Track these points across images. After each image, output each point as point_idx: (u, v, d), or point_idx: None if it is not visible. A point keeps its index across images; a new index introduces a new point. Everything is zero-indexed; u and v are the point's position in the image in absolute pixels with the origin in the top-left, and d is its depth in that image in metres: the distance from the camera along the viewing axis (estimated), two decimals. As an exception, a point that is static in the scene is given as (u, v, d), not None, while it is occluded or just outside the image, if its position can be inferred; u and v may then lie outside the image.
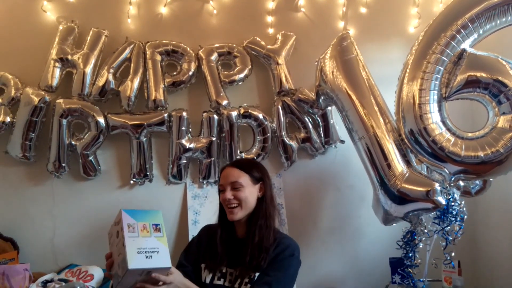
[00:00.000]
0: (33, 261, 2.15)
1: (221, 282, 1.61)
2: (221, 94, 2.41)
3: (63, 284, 1.98)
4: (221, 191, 1.70)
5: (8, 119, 2.33)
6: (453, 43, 1.88)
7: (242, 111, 2.42)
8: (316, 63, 2.29)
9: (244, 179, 1.66)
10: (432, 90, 1.91)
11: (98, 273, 2.14)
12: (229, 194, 1.65)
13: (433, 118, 1.89)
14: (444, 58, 1.89)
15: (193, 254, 1.73)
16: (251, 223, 1.65)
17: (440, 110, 1.92)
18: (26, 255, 2.33)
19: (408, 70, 1.97)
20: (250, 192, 1.66)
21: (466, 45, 1.90)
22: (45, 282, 2.02)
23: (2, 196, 2.44)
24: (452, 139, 1.87)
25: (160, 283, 1.35)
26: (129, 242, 1.31)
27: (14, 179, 2.45)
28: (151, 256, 1.31)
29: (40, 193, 2.45)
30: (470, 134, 1.89)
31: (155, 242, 1.34)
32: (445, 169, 1.92)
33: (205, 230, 1.81)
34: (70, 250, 2.43)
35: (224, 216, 1.71)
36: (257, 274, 1.57)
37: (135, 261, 1.28)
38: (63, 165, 2.36)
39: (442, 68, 1.90)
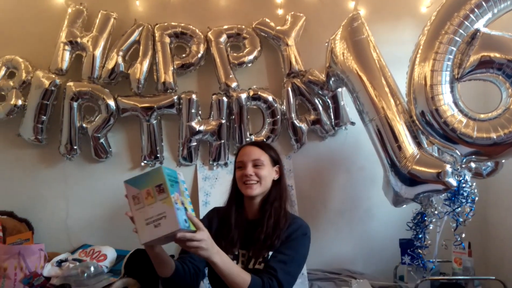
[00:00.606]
0: (47, 242, 2.20)
1: (238, 264, 1.63)
2: (230, 76, 2.40)
3: (77, 263, 2.02)
4: (240, 168, 1.70)
5: (19, 102, 2.35)
6: (466, 22, 1.84)
7: (251, 93, 2.41)
8: (326, 44, 2.26)
9: (265, 158, 1.70)
10: (444, 71, 1.89)
11: (111, 253, 2.18)
12: (250, 170, 1.66)
13: (445, 100, 1.87)
14: (457, 38, 1.86)
15: None
16: (266, 204, 1.67)
17: (452, 91, 1.89)
18: (40, 236, 2.38)
19: (419, 51, 1.94)
20: (269, 172, 1.69)
21: (479, 24, 1.86)
22: (60, 262, 2.06)
23: (16, 178, 2.49)
24: (464, 120, 1.85)
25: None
26: (137, 215, 1.28)
27: (27, 161, 2.49)
28: (159, 223, 1.25)
29: (53, 175, 2.49)
30: (482, 116, 1.87)
31: (160, 207, 1.25)
32: (457, 151, 1.91)
33: (215, 212, 1.81)
34: (83, 231, 2.48)
35: (236, 197, 1.72)
36: (270, 253, 1.58)
37: (146, 234, 1.25)
38: (75, 147, 2.39)
39: (454, 49, 1.87)
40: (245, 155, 1.70)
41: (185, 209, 1.31)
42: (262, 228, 1.62)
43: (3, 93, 2.40)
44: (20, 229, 2.27)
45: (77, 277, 1.83)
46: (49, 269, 1.99)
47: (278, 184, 1.72)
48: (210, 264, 1.39)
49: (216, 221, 1.75)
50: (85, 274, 1.84)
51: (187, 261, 1.54)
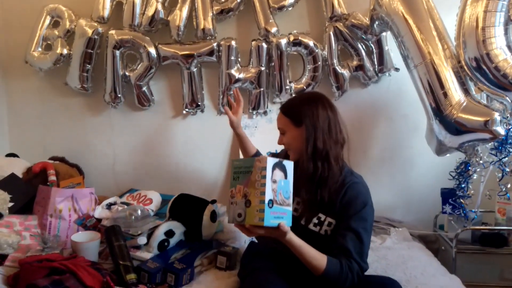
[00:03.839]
0: (96, 186, 2.31)
1: None
2: (270, 21, 2.34)
3: (125, 207, 2.12)
4: None
5: (65, 51, 2.41)
6: (527, -44, 1.69)
7: (291, 38, 2.35)
8: (371, -15, 2.15)
9: (285, 123, 1.59)
10: (498, 12, 1.77)
11: (156, 197, 2.27)
12: (279, 140, 1.63)
13: (498, 43, 1.76)
14: (516, -25, 1.71)
15: None
16: (310, 162, 1.53)
17: (506, 33, 1.77)
18: (90, 180, 2.52)
19: (473, -10, 1.81)
20: (293, 137, 1.57)
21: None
22: (109, 205, 2.17)
23: (66, 125, 2.61)
24: (517, 65, 1.74)
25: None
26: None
27: (75, 109, 2.59)
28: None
29: (99, 122, 2.59)
30: (538, 60, 1.75)
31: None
32: (507, 98, 1.81)
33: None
34: (130, 176, 2.60)
35: None
36: (322, 216, 1.53)
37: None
38: (119, 95, 2.45)
39: (512, -13, 1.74)
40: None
41: (247, 202, 1.30)
42: (310, 189, 1.54)
43: (49, 42, 2.46)
44: (72, 173, 2.40)
45: (125, 219, 1.92)
46: (99, 211, 2.10)
47: (309, 143, 1.52)
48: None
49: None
50: (133, 217, 1.93)
51: None
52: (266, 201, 1.27)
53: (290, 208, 1.35)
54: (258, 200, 1.28)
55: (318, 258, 1.41)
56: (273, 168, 1.30)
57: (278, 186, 1.31)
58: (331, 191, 1.52)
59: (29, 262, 1.54)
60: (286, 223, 1.33)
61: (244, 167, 1.34)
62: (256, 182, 1.29)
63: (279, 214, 1.31)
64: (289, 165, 1.35)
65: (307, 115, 1.53)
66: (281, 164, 1.33)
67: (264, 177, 1.28)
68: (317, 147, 1.51)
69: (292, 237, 1.38)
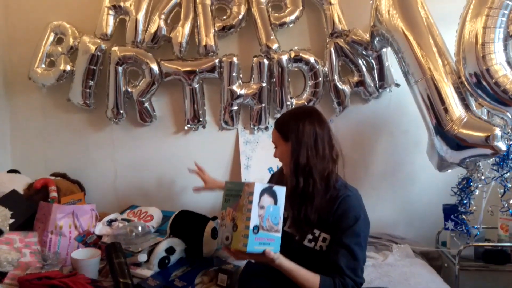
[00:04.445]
0: (98, 202, 2.30)
1: (284, 227, 1.57)
2: (272, 37, 2.36)
3: (126, 223, 2.11)
4: None
5: (68, 67, 2.44)
6: (525, -26, 1.71)
7: (293, 54, 2.37)
8: (371, 2, 2.16)
9: (277, 138, 1.60)
10: (497, 28, 1.78)
11: (157, 213, 2.27)
12: (274, 152, 1.64)
13: (497, 59, 1.77)
14: (514, -8, 1.73)
15: None
16: (294, 177, 1.53)
17: (505, 49, 1.79)
18: (91, 196, 2.51)
19: (471, 6, 1.83)
20: (282, 151, 1.58)
21: (540, -24, 1.72)
22: (110, 221, 2.16)
23: (68, 141, 2.62)
24: (517, 81, 1.75)
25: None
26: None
27: (77, 125, 2.60)
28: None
29: (101, 138, 2.60)
30: (538, 76, 1.76)
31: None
32: (508, 113, 1.82)
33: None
34: (131, 192, 2.59)
35: None
36: (317, 231, 1.51)
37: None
38: (121, 111, 2.46)
39: (510, 3, 1.75)
40: None
41: (234, 226, 1.30)
42: (293, 204, 1.53)
43: (52, 58, 2.48)
44: (73, 190, 2.40)
45: (126, 236, 1.92)
46: (100, 228, 2.09)
47: (296, 158, 1.51)
48: None
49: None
50: (134, 233, 1.93)
51: None
52: (251, 227, 1.27)
53: (279, 235, 1.33)
54: (244, 225, 1.28)
55: (311, 280, 1.40)
56: (261, 194, 1.30)
57: (266, 212, 1.30)
58: (318, 208, 1.50)
59: (28, 280, 1.53)
60: (273, 249, 1.32)
61: (235, 191, 1.34)
62: (243, 207, 1.29)
63: (266, 240, 1.30)
64: (280, 191, 1.34)
65: (293, 130, 1.53)
66: (271, 190, 1.32)
67: (251, 202, 1.27)
68: (299, 162, 1.50)
69: (282, 262, 1.37)
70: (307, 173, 1.50)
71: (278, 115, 2.45)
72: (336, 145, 1.58)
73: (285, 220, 1.58)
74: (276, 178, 1.82)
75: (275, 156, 1.63)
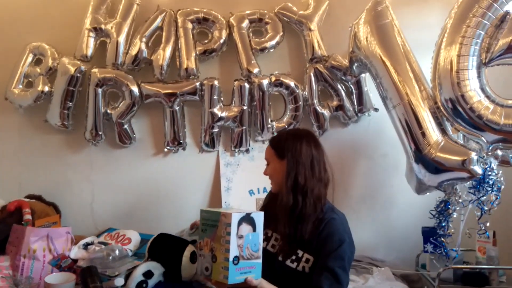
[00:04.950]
0: (74, 225, 2.24)
1: (267, 246, 1.58)
2: (252, 62, 2.39)
3: (103, 246, 2.06)
4: None
5: (46, 88, 2.40)
6: (495, 5, 1.79)
7: (273, 79, 2.40)
8: (350, 28, 2.23)
9: (270, 155, 1.61)
10: (471, 56, 1.85)
11: (135, 236, 2.22)
12: (264, 170, 1.64)
13: (472, 85, 1.83)
14: (486, 22, 1.81)
15: None
16: (290, 195, 1.53)
17: (479, 76, 1.85)
18: (67, 219, 2.44)
19: (446, 35, 1.90)
20: (275, 168, 1.58)
21: (510, 7, 1.80)
22: (86, 245, 2.10)
23: (43, 163, 2.55)
24: (491, 106, 1.81)
25: None
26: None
27: (54, 147, 2.54)
28: None
29: (79, 160, 2.54)
30: (510, 102, 1.82)
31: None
32: (483, 138, 1.87)
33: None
34: (108, 215, 2.53)
35: None
36: (300, 252, 1.51)
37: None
38: (100, 133, 2.43)
39: (482, 32, 1.83)
40: None
41: (214, 257, 1.30)
42: (289, 223, 1.52)
43: (30, 79, 2.44)
44: (48, 212, 2.33)
45: (102, 259, 1.86)
46: (76, 252, 2.03)
47: (291, 177, 1.53)
48: None
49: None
50: (110, 257, 1.88)
51: None
52: (231, 259, 1.26)
53: (260, 260, 1.33)
54: (223, 257, 1.27)
55: None
56: (239, 224, 1.29)
57: (246, 240, 1.29)
58: (310, 228, 1.51)
59: (-1, 306, 1.47)
60: (254, 276, 1.32)
61: (211, 220, 1.33)
62: (221, 238, 1.29)
63: (246, 269, 1.30)
64: (258, 216, 1.34)
65: (290, 149, 1.55)
66: (249, 217, 1.32)
67: (229, 233, 1.27)
68: (298, 181, 1.51)
69: (265, 286, 1.37)
70: (304, 192, 1.51)
71: (259, 138, 2.47)
72: (329, 170, 1.60)
73: (267, 238, 1.58)
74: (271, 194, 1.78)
75: (265, 173, 1.64)
